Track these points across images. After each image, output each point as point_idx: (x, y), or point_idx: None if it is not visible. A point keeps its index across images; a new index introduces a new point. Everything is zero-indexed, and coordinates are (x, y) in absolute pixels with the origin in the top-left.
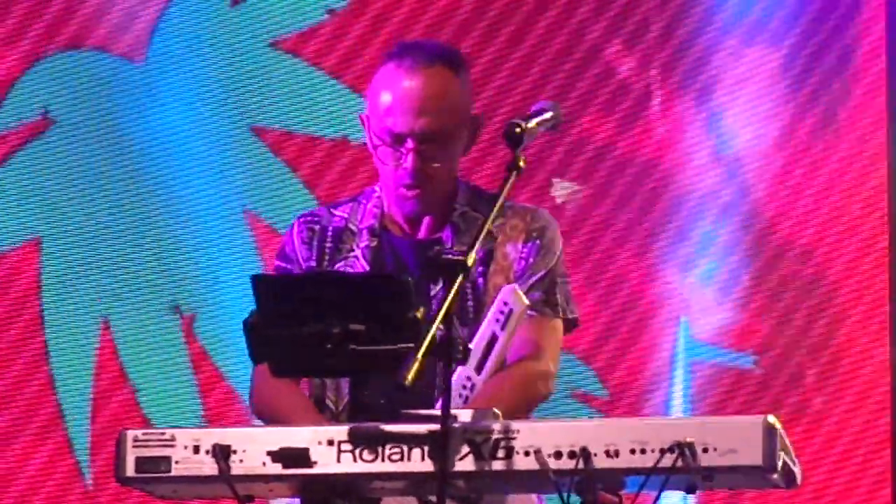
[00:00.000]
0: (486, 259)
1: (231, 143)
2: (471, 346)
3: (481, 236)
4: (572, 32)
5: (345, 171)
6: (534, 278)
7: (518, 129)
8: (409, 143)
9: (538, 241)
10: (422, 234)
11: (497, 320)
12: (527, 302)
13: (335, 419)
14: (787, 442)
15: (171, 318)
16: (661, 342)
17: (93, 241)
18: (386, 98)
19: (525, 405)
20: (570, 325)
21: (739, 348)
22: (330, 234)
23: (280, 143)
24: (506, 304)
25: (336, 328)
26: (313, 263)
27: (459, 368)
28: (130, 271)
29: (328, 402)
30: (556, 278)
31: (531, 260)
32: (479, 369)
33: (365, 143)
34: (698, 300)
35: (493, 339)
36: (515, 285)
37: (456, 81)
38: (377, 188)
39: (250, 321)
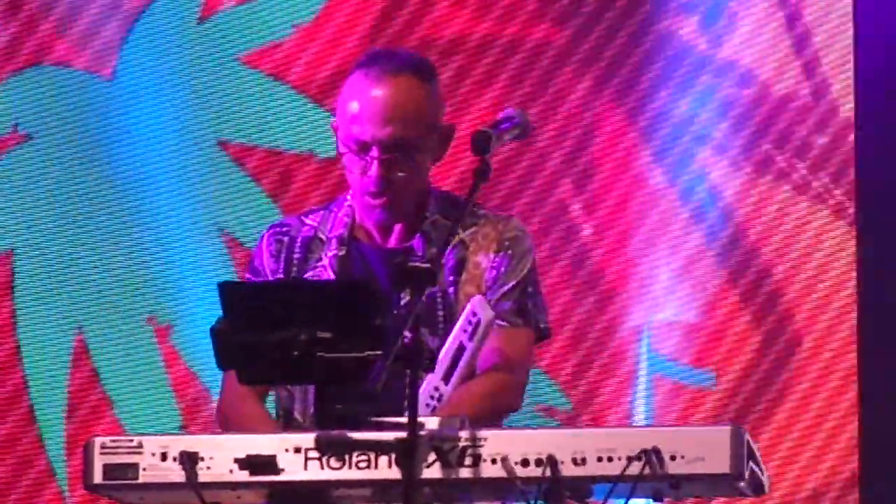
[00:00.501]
0: (458, 268)
1: (198, 157)
2: (439, 355)
3: (450, 243)
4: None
5: (309, 183)
6: (505, 288)
7: (485, 137)
8: (374, 152)
9: (510, 252)
10: (392, 242)
11: (465, 330)
12: (491, 314)
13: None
14: (756, 450)
15: (144, 328)
16: (624, 355)
17: (66, 253)
18: (353, 106)
19: (493, 415)
20: (541, 336)
21: (699, 364)
22: (298, 244)
23: (245, 156)
24: (474, 314)
25: (303, 335)
26: (280, 276)
27: (427, 378)
28: (104, 282)
29: (296, 414)
30: (528, 288)
31: (503, 269)
32: (446, 379)
33: (331, 157)
34: (661, 313)
35: (461, 349)
36: (482, 296)
37: (423, 90)
38: (349, 196)
39: (217, 328)
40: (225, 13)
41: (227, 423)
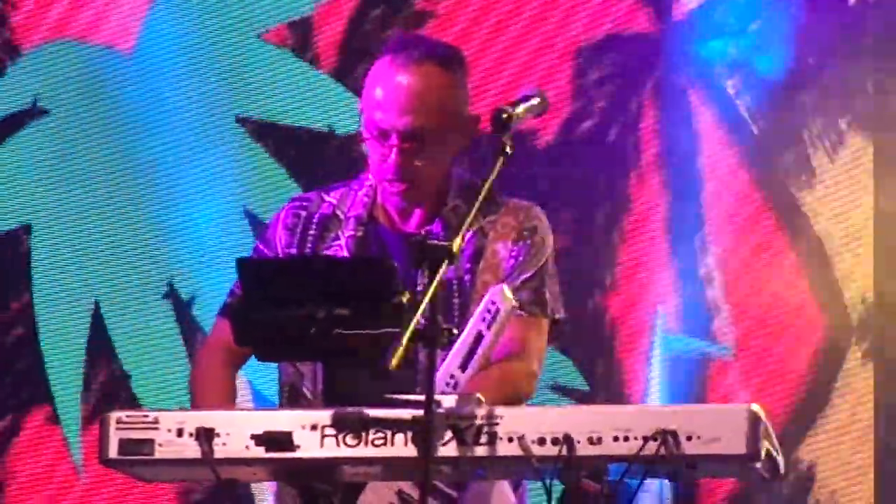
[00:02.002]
0: (476, 257)
1: (217, 133)
2: (456, 343)
3: (468, 224)
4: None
5: (328, 160)
6: (523, 277)
7: (505, 115)
8: (394, 140)
9: (529, 241)
10: (411, 226)
11: (483, 319)
12: (515, 303)
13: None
14: (771, 431)
15: (162, 302)
16: (640, 334)
17: (83, 227)
18: (376, 92)
19: (507, 404)
20: (557, 326)
21: (715, 340)
22: (316, 220)
23: (264, 132)
24: (493, 303)
25: (320, 312)
26: (293, 250)
27: (444, 365)
28: (121, 257)
29: (305, 390)
30: (546, 278)
31: (521, 259)
32: (463, 367)
33: (350, 133)
34: (676, 291)
35: (478, 338)
36: (504, 285)
37: (447, 80)
38: (371, 175)
39: (234, 304)
40: None
41: (192, 372)
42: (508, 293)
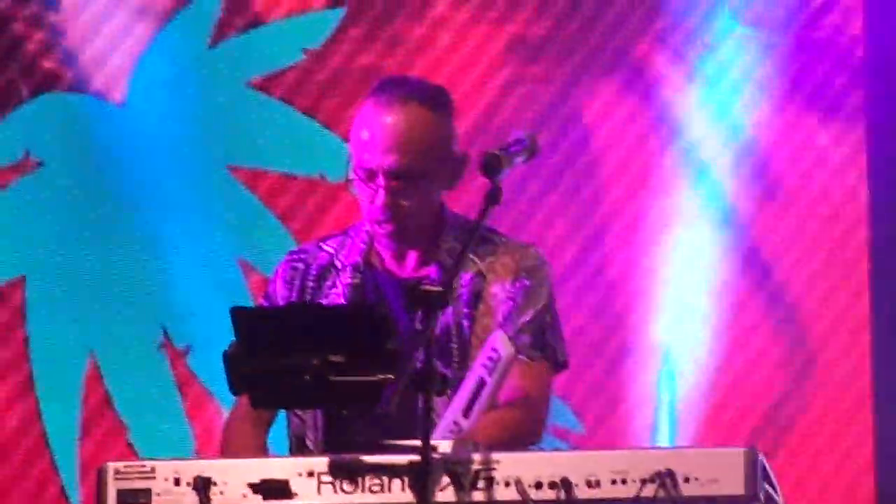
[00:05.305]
0: (474, 300)
1: (210, 181)
2: (459, 389)
3: (462, 266)
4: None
5: (320, 208)
6: (522, 319)
7: (496, 160)
8: (380, 180)
9: (527, 282)
10: (407, 270)
11: (485, 366)
12: (512, 350)
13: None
14: (770, 471)
15: (157, 352)
16: (638, 375)
17: (78, 278)
18: (362, 133)
19: (510, 449)
20: (559, 368)
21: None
22: (314, 271)
23: (256, 180)
24: (494, 350)
25: (315, 359)
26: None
27: (446, 413)
28: (116, 307)
29: (308, 441)
30: (546, 319)
31: (519, 301)
32: (466, 414)
33: (342, 181)
34: (678, 331)
35: (481, 385)
36: (502, 332)
37: (432, 119)
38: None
39: (230, 352)
40: (235, 38)
41: (223, 440)
42: (508, 340)
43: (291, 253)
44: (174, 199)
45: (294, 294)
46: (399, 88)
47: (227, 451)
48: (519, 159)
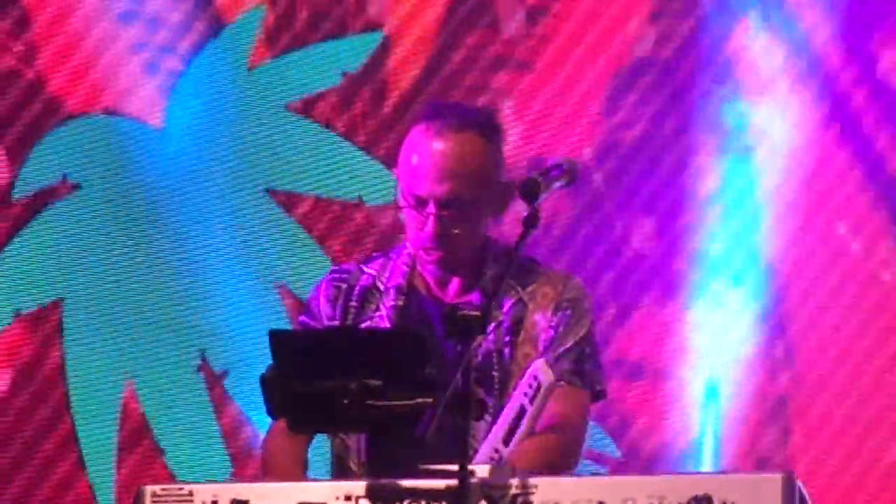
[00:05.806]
0: (515, 328)
1: (248, 205)
2: (489, 403)
3: (502, 292)
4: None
5: (358, 232)
6: (563, 348)
7: (534, 185)
8: (431, 208)
9: (568, 311)
10: (450, 295)
11: (525, 394)
12: (552, 378)
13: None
14: (806, 496)
15: (194, 376)
16: (675, 401)
17: (115, 301)
18: (412, 160)
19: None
20: (597, 397)
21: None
22: (356, 292)
23: (294, 204)
24: (535, 377)
25: (353, 383)
26: (336, 323)
27: (487, 440)
28: (153, 330)
29: (350, 463)
30: (586, 349)
31: (560, 329)
32: (506, 441)
33: (379, 205)
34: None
35: (521, 412)
36: (543, 360)
37: (485, 148)
38: (409, 244)
39: (267, 376)
40: (274, 61)
41: (263, 454)
42: (548, 369)
43: (333, 271)
44: (212, 222)
45: (337, 313)
46: (452, 115)
47: (267, 464)
48: (557, 184)
